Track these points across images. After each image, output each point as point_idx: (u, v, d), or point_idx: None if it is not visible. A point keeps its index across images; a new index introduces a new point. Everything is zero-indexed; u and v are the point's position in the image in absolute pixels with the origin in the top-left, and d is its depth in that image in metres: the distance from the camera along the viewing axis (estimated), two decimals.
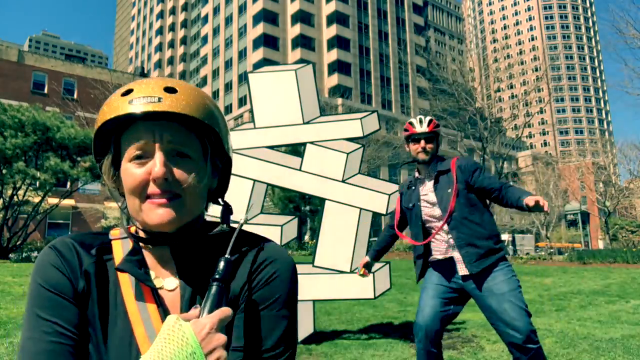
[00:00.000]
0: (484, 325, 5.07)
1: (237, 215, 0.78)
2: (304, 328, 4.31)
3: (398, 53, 64.93)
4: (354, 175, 4.35)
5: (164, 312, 0.74)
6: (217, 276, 0.68)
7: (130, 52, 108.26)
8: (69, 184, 20.73)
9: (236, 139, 4.34)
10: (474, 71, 36.86)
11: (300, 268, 4.36)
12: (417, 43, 68.64)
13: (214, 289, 0.67)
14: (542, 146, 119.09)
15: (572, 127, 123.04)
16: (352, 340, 4.58)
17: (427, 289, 2.65)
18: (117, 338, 0.72)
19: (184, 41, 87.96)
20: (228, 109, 64.07)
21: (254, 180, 4.24)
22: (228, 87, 65.90)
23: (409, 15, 70.96)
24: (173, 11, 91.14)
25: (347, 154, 4.23)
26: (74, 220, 32.23)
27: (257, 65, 50.28)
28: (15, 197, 17.50)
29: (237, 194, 4.18)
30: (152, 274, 0.78)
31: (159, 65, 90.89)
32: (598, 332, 4.94)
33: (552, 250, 41.00)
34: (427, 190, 2.73)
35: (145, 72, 65.72)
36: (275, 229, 4.23)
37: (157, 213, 0.72)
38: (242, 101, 60.99)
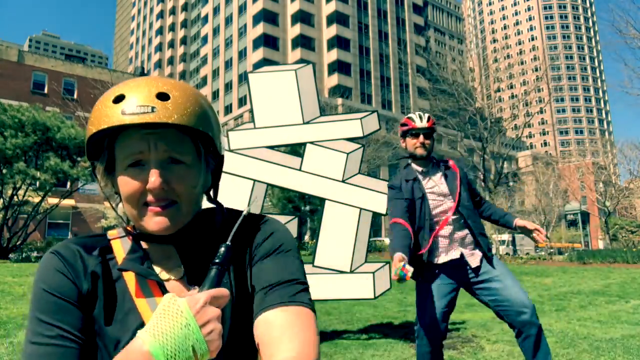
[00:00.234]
0: (484, 325, 5.08)
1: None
2: None
3: (398, 53, 64.94)
4: (354, 175, 4.35)
5: None
6: (217, 260, 0.70)
7: (130, 52, 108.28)
8: (69, 184, 20.75)
9: (236, 139, 4.34)
10: (474, 71, 36.87)
11: None
12: (417, 43, 68.64)
13: (213, 271, 0.69)
14: (542, 146, 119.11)
15: (572, 127, 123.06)
16: (352, 340, 4.58)
17: (431, 289, 2.63)
18: (129, 335, 0.72)
19: (184, 41, 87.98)
20: (228, 109, 64.09)
21: (254, 180, 4.24)
22: (228, 87, 65.91)
23: (409, 15, 70.97)
24: (173, 11, 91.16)
25: (347, 154, 4.23)
26: (74, 220, 32.23)
27: (257, 65, 50.28)
28: (15, 197, 17.51)
29: (237, 194, 4.18)
30: (157, 268, 0.80)
31: (159, 65, 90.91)
32: (598, 332, 4.94)
33: (552, 250, 41.00)
34: (435, 183, 2.74)
35: (145, 72, 65.75)
36: None
37: (154, 221, 0.74)
38: (242, 101, 61.01)
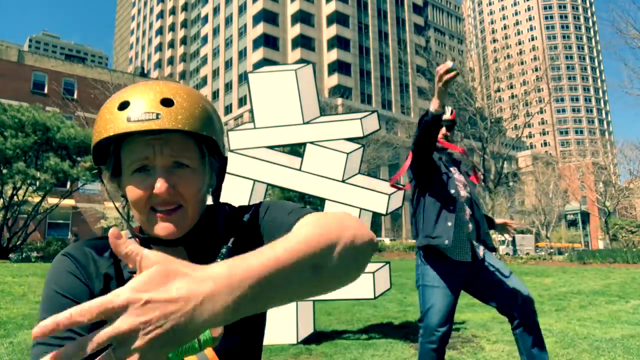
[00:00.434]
0: (484, 325, 5.08)
1: None
2: (304, 328, 4.31)
3: (398, 53, 64.96)
4: (354, 175, 4.35)
5: None
6: (218, 259, 0.74)
7: (130, 52, 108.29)
8: (69, 184, 20.74)
9: (236, 139, 4.34)
10: (474, 71, 36.85)
11: None
12: (417, 43, 68.63)
13: None
14: (542, 146, 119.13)
15: (572, 127, 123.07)
16: (352, 340, 4.58)
17: (437, 288, 2.57)
18: None
19: (184, 41, 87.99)
20: (228, 109, 64.09)
21: (254, 180, 4.24)
22: (228, 87, 65.91)
23: (409, 15, 70.97)
24: (173, 11, 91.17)
25: (347, 154, 4.23)
26: (74, 220, 32.23)
27: (257, 65, 50.27)
28: (15, 197, 17.51)
29: (237, 194, 4.18)
30: None
31: (159, 65, 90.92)
32: (598, 332, 4.94)
33: (552, 250, 41.03)
34: (454, 171, 2.75)
35: (145, 72, 65.77)
36: None
37: (161, 226, 0.76)
38: (242, 101, 61.01)
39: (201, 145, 0.79)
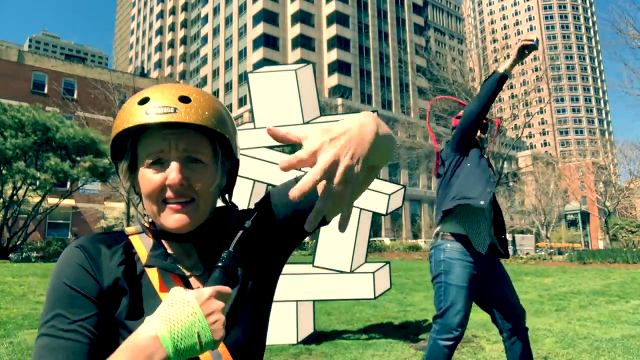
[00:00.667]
0: (484, 325, 5.07)
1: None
2: (304, 328, 4.31)
3: (398, 53, 64.95)
4: None
5: None
6: (220, 264, 0.75)
7: (130, 52, 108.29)
8: (69, 184, 20.74)
9: None
10: (474, 71, 36.85)
11: (300, 268, 4.36)
12: (417, 43, 68.64)
13: (216, 273, 0.74)
14: (542, 146, 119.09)
15: (572, 127, 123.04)
16: (352, 340, 4.58)
17: (462, 287, 2.55)
18: None
19: (184, 41, 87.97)
20: (228, 109, 63.96)
21: (254, 180, 4.24)
22: (228, 87, 65.90)
23: (409, 15, 70.96)
24: (173, 11, 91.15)
25: None
26: (74, 220, 32.23)
27: (257, 65, 50.27)
28: (15, 197, 17.50)
29: (237, 194, 4.17)
30: (179, 265, 0.83)
31: (159, 65, 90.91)
32: (598, 332, 4.94)
33: (552, 250, 41.01)
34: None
35: (145, 72, 65.73)
36: None
37: (173, 218, 0.77)
38: (242, 101, 61.00)
39: (214, 144, 0.82)
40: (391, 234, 49.14)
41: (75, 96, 33.71)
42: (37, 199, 18.32)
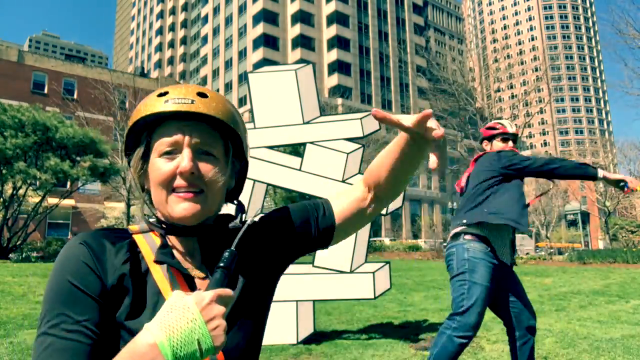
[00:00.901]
0: (484, 325, 5.07)
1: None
2: (304, 328, 4.31)
3: (398, 53, 64.93)
4: (354, 175, 4.35)
5: None
6: (221, 264, 0.74)
7: (130, 52, 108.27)
8: (69, 184, 20.73)
9: None
10: (474, 71, 36.87)
11: (300, 268, 4.36)
12: (417, 43, 68.63)
13: (218, 274, 0.73)
14: (542, 146, 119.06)
15: (572, 127, 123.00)
16: (352, 340, 4.58)
17: (486, 287, 2.59)
18: None
19: (184, 41, 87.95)
20: None
21: (254, 180, 4.24)
22: (228, 87, 65.90)
23: (409, 15, 70.96)
24: (173, 11, 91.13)
25: (347, 154, 4.23)
26: (74, 220, 32.23)
27: (257, 65, 50.27)
28: (15, 197, 17.50)
29: None
30: (184, 266, 0.84)
31: (159, 65, 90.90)
32: (598, 332, 4.94)
33: (552, 250, 40.99)
34: None
35: (145, 72, 65.71)
36: None
37: (181, 206, 0.78)
38: (242, 101, 60.99)
39: (227, 141, 0.85)
40: (391, 234, 49.13)
41: (75, 96, 33.71)
42: (37, 199, 18.31)
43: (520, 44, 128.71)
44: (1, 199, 17.22)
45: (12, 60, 33.06)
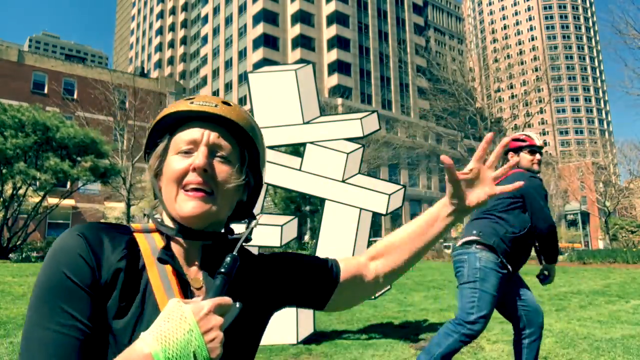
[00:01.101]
0: None
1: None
2: (304, 328, 4.30)
3: (398, 53, 64.92)
4: (354, 175, 4.35)
5: None
6: (222, 270, 0.73)
7: (130, 52, 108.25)
8: (69, 184, 20.74)
9: None
10: (474, 71, 36.86)
11: None
12: (417, 43, 68.61)
13: (218, 280, 0.71)
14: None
15: (572, 127, 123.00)
16: (352, 340, 4.58)
17: (495, 297, 2.69)
18: (145, 328, 0.71)
19: (184, 41, 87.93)
20: None
21: None
22: (228, 87, 65.90)
23: (409, 15, 70.94)
24: (173, 11, 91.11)
25: (347, 154, 4.23)
26: (74, 220, 32.21)
27: (257, 65, 50.26)
28: (15, 197, 17.50)
29: None
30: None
31: (159, 65, 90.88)
32: (598, 332, 4.94)
33: None
34: None
35: (145, 72, 65.72)
36: (275, 229, 4.23)
37: (190, 204, 0.78)
38: (242, 101, 60.98)
39: (243, 151, 0.86)
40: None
41: (75, 96, 33.71)
42: (37, 199, 18.31)
43: (520, 44, 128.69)
44: (1, 199, 17.22)
45: (12, 60, 33.06)
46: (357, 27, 64.24)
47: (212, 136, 0.81)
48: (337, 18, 62.07)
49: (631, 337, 4.68)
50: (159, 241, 0.81)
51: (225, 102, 0.83)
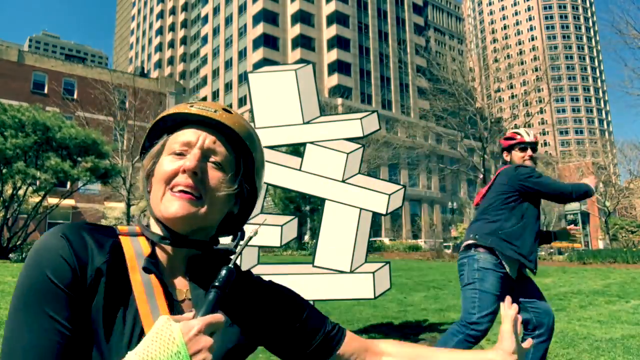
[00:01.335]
0: None
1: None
2: None
3: (398, 53, 64.93)
4: (354, 175, 4.35)
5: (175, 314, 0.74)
6: (216, 283, 0.69)
7: (130, 52, 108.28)
8: (69, 184, 20.73)
9: None
10: (474, 71, 36.87)
11: (300, 268, 4.36)
12: (417, 43, 68.63)
13: (211, 295, 0.68)
14: (542, 146, 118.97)
15: (572, 127, 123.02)
16: None
17: (496, 296, 2.69)
18: (125, 336, 0.70)
19: (184, 41, 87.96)
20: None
21: None
22: (228, 87, 65.91)
23: (409, 15, 70.96)
24: (173, 11, 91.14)
25: (347, 154, 4.23)
26: (74, 220, 32.22)
27: (257, 65, 50.25)
28: (15, 197, 17.50)
29: None
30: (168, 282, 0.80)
31: (159, 65, 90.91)
32: (598, 332, 4.94)
33: (552, 250, 41.00)
34: None
35: (145, 72, 65.71)
36: (275, 229, 4.23)
37: (175, 204, 0.76)
38: (242, 101, 61.00)
39: (239, 160, 0.84)
40: (391, 234, 49.12)
41: (75, 96, 33.72)
42: (37, 199, 18.31)
43: (520, 44, 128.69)
44: (1, 199, 17.22)
45: (12, 60, 33.08)
46: (357, 27, 64.26)
47: (208, 140, 0.80)
48: (337, 18, 62.09)
49: (631, 337, 4.67)
50: (144, 245, 0.79)
51: (226, 109, 0.83)
